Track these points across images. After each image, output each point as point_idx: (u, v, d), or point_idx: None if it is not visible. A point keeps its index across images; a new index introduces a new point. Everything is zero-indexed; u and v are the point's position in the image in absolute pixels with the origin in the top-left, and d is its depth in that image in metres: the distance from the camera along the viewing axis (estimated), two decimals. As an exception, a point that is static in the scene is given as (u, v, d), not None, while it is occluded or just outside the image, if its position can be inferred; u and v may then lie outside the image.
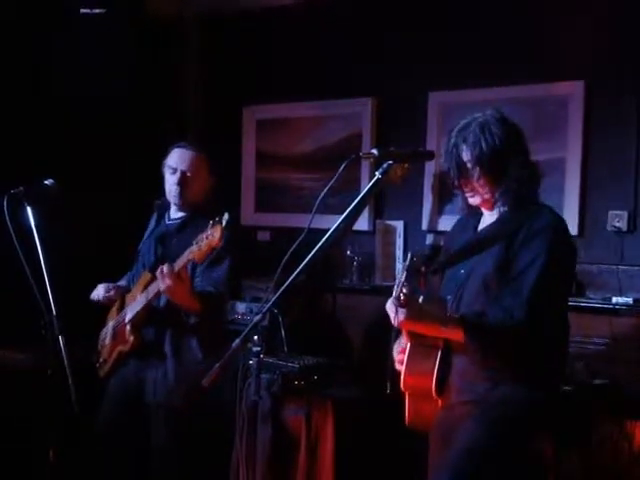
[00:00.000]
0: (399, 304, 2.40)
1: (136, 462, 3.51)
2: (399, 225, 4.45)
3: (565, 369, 2.74)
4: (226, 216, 2.97)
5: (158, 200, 3.67)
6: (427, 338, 2.56)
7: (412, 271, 2.45)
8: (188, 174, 3.46)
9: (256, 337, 2.51)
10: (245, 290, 4.45)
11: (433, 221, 4.36)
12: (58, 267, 3.12)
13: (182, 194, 3.47)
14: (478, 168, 2.56)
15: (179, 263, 3.18)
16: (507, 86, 4.08)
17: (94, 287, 3.66)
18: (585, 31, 3.86)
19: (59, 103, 4.40)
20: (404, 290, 2.39)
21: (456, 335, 2.49)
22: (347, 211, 2.48)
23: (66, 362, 2.93)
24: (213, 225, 3.01)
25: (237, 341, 2.51)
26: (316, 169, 4.73)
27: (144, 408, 3.43)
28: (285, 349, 3.74)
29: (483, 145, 2.54)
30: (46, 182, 3.26)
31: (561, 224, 2.62)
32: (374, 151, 2.45)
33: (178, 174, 3.45)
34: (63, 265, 3.23)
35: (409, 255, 2.51)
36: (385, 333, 4.31)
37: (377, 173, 2.45)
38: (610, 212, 3.84)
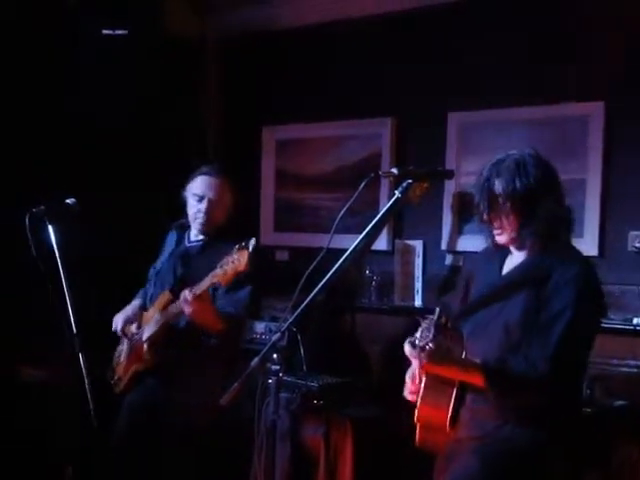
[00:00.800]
0: (421, 351, 2.42)
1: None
2: (418, 245, 4.44)
3: (582, 398, 2.72)
4: (253, 241, 3.00)
5: (178, 221, 3.69)
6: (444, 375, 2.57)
7: (439, 326, 2.45)
8: (214, 201, 3.49)
9: (275, 356, 2.51)
10: (264, 309, 4.46)
11: (452, 241, 4.35)
12: (78, 283, 3.14)
13: (208, 220, 3.50)
14: (509, 204, 2.53)
15: (201, 287, 3.20)
16: (526, 106, 4.09)
17: (112, 303, 3.68)
18: (603, 51, 3.86)
19: (81, 123, 4.44)
20: (430, 345, 2.39)
21: (476, 380, 2.49)
22: (366, 230, 2.49)
23: (86, 380, 2.94)
24: (239, 249, 3.04)
25: (256, 360, 2.51)
26: (335, 189, 4.74)
27: (159, 427, 3.42)
28: (304, 368, 3.73)
29: (517, 182, 2.52)
30: (67, 201, 3.28)
31: (591, 273, 2.56)
32: (394, 170, 2.45)
33: (205, 202, 3.49)
34: (84, 281, 3.24)
35: (437, 311, 2.48)
36: (402, 353, 4.33)
37: (396, 192, 2.46)
38: (631, 232, 3.83)
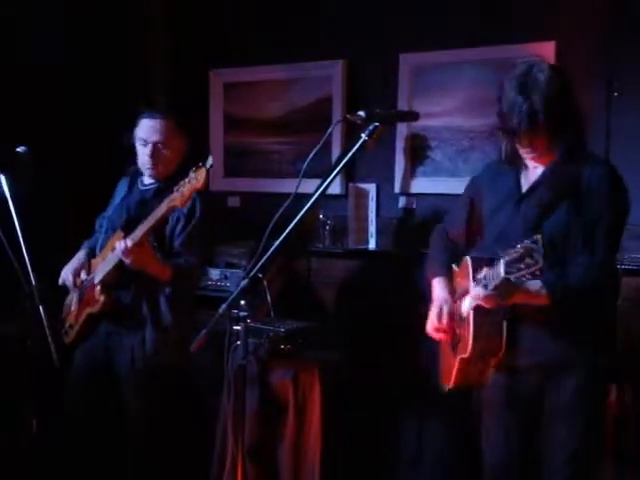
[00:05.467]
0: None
1: (109, 431, 3.49)
2: (372, 188, 4.45)
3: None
4: (210, 159, 2.91)
5: (130, 167, 3.61)
6: None
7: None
8: (160, 145, 3.40)
9: (242, 302, 2.51)
10: (218, 256, 4.42)
11: (406, 183, 4.37)
12: (33, 235, 3.07)
13: (155, 165, 3.42)
14: (544, 115, 2.51)
15: (137, 234, 3.14)
16: (478, 47, 4.08)
17: (66, 255, 3.61)
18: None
19: (22, 71, 4.29)
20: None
21: (540, 300, 2.51)
22: (332, 175, 2.49)
23: (48, 331, 2.89)
24: (196, 169, 2.95)
25: (223, 306, 2.51)
26: (286, 133, 4.70)
27: (116, 375, 3.39)
28: (271, 314, 3.73)
29: (551, 91, 2.51)
30: (18, 149, 3.19)
31: (616, 170, 2.64)
32: (361, 113, 2.43)
33: (150, 146, 3.39)
34: (38, 233, 3.17)
35: (538, 239, 2.34)
36: (358, 296, 4.38)
37: (363, 135, 2.44)
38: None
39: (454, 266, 2.89)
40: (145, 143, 3.41)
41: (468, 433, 2.95)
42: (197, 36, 4.97)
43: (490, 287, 2.43)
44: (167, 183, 3.43)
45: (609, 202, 2.56)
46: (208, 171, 2.93)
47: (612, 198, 2.57)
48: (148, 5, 4.97)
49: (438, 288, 2.87)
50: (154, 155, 3.40)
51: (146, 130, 3.41)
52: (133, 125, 3.47)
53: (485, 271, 2.49)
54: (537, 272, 2.26)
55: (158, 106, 4.88)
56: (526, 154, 2.66)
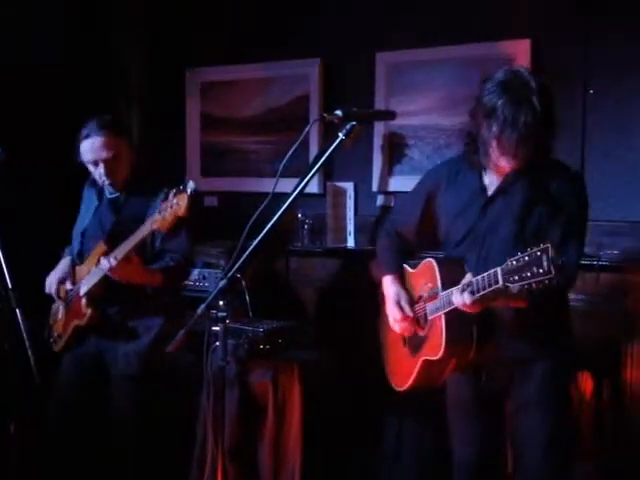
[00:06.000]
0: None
1: (94, 438, 3.50)
2: (349, 187, 4.45)
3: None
4: (191, 184, 2.89)
5: (91, 176, 3.56)
6: None
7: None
8: (110, 159, 3.31)
9: (221, 303, 2.50)
10: (197, 256, 4.40)
11: (383, 182, 4.37)
12: (10, 238, 3.04)
13: (114, 180, 3.37)
14: (537, 129, 2.50)
15: (123, 250, 3.13)
16: (454, 45, 4.09)
17: (44, 259, 3.58)
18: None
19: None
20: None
21: (519, 303, 2.52)
22: (309, 175, 2.48)
23: (25, 335, 2.87)
24: (177, 194, 2.93)
25: (202, 307, 2.50)
26: (264, 132, 4.69)
27: (106, 379, 3.39)
28: (249, 314, 3.73)
29: (543, 104, 2.50)
30: (-7, 150, 3.16)
31: (583, 181, 2.70)
32: (338, 112, 2.43)
33: (102, 165, 3.32)
34: (14, 236, 3.14)
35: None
36: (337, 295, 4.37)
37: (340, 134, 2.44)
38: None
39: (406, 266, 2.91)
40: (95, 164, 3.34)
41: (447, 432, 2.96)
42: (173, 35, 4.94)
43: (479, 294, 2.44)
44: (130, 190, 3.41)
45: (579, 205, 2.64)
46: (189, 197, 2.89)
47: (581, 201, 2.65)
48: (124, 4, 4.93)
49: (389, 284, 2.89)
50: (108, 171, 3.33)
51: (91, 151, 3.32)
52: (75, 145, 3.37)
53: (469, 277, 2.50)
54: (546, 282, 2.23)
55: (134, 107, 4.88)
56: (504, 162, 2.61)
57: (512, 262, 2.29)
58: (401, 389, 2.84)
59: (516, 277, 2.28)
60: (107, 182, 3.37)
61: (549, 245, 2.22)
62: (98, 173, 3.35)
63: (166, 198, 3.01)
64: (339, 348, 3.84)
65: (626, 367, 3.49)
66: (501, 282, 2.33)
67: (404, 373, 2.80)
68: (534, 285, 2.25)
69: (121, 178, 3.39)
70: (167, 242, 3.32)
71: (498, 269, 2.35)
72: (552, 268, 2.20)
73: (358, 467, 3.73)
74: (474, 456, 2.83)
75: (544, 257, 2.21)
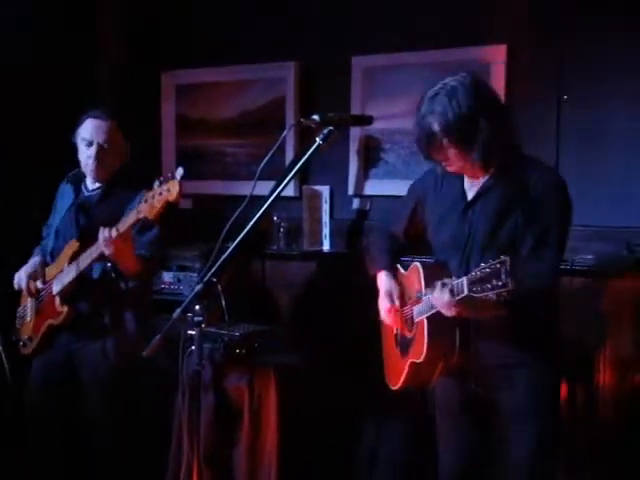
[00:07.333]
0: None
1: (68, 442, 3.48)
2: (325, 190, 4.45)
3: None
4: (180, 170, 2.82)
5: (72, 172, 3.55)
6: None
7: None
8: (104, 146, 3.34)
9: (197, 307, 2.49)
10: (171, 259, 4.39)
11: (359, 185, 4.38)
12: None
13: (99, 166, 3.37)
14: (447, 139, 2.53)
15: (125, 224, 3.08)
16: (430, 50, 4.11)
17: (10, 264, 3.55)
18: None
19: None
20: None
21: (500, 311, 2.49)
22: (286, 179, 2.48)
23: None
24: (166, 181, 2.86)
25: (178, 311, 2.49)
26: (240, 135, 4.68)
27: (78, 383, 3.36)
28: (225, 318, 3.71)
29: (450, 115, 2.50)
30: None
31: (562, 179, 2.66)
32: (315, 117, 2.43)
33: (94, 147, 3.34)
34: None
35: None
36: (313, 298, 4.37)
37: (318, 139, 2.44)
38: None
39: (399, 267, 2.93)
40: (89, 144, 3.35)
41: (425, 433, 2.97)
42: (149, 38, 4.92)
43: (457, 297, 2.44)
44: (111, 186, 3.41)
45: (559, 211, 2.60)
46: (180, 182, 2.83)
47: (561, 207, 2.61)
48: (99, 6, 4.90)
49: (384, 278, 2.89)
50: (98, 156, 3.34)
51: (90, 130, 3.35)
52: (75, 125, 3.41)
53: (449, 280, 2.50)
54: (504, 294, 2.28)
55: (108, 108, 4.83)
56: (448, 168, 2.65)
57: (477, 272, 2.34)
58: (395, 388, 2.86)
59: (479, 287, 2.32)
60: (91, 167, 3.36)
61: (507, 258, 2.26)
62: (87, 155, 3.35)
63: (151, 188, 2.94)
64: (315, 352, 3.84)
65: (599, 372, 3.52)
66: (466, 291, 2.37)
67: (396, 373, 2.83)
68: (494, 296, 2.29)
69: (106, 170, 3.38)
70: (141, 235, 3.29)
71: (464, 279, 2.39)
72: (509, 281, 2.24)
73: (335, 470, 3.73)
74: (459, 465, 2.82)
75: (502, 270, 2.25)
